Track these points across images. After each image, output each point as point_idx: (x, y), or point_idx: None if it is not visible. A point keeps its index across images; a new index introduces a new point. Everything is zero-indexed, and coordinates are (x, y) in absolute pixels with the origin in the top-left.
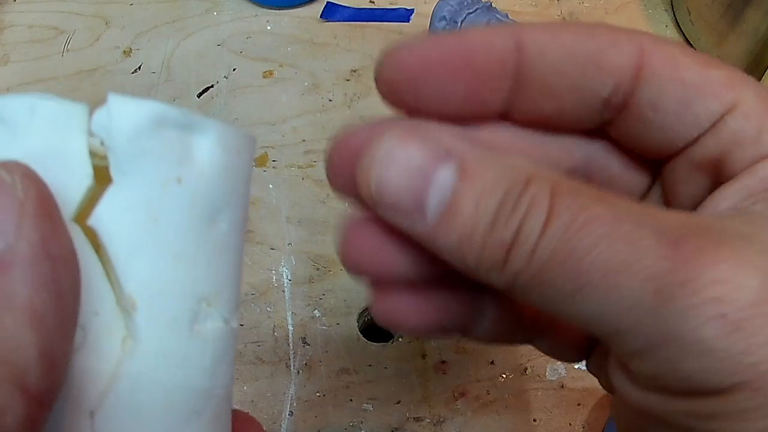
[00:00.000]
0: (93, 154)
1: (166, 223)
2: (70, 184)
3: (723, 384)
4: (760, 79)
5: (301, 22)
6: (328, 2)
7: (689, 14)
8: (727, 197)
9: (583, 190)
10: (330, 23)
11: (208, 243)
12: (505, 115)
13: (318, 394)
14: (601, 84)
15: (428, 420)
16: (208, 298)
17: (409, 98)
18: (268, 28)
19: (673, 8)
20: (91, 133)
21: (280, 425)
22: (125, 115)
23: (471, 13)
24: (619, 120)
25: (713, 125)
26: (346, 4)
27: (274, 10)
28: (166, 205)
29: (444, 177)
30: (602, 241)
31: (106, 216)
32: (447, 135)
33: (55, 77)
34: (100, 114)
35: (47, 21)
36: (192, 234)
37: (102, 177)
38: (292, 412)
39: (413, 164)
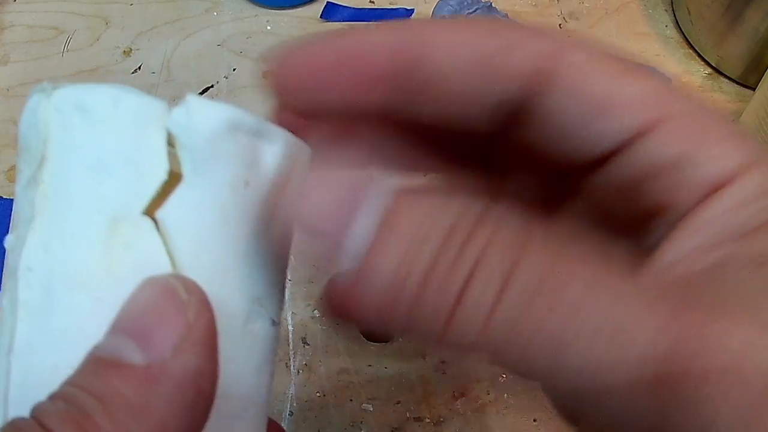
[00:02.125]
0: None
1: (231, 223)
2: (145, 177)
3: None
4: (759, 79)
5: (301, 22)
6: (328, 2)
7: (689, 14)
8: (677, 252)
9: (551, 244)
10: (330, 23)
11: (265, 245)
12: (403, 117)
13: (318, 394)
14: (500, 88)
15: (428, 420)
16: (260, 299)
17: (301, 102)
18: (268, 28)
19: (673, 8)
20: (167, 130)
21: (280, 425)
22: (204, 117)
23: (471, 12)
24: (522, 127)
25: (626, 146)
26: (346, 5)
27: (274, 11)
28: (233, 206)
29: (364, 218)
30: (586, 304)
31: (175, 211)
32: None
33: (55, 77)
34: (178, 113)
35: (47, 21)
36: (253, 235)
37: (172, 173)
38: (292, 412)
39: (333, 196)
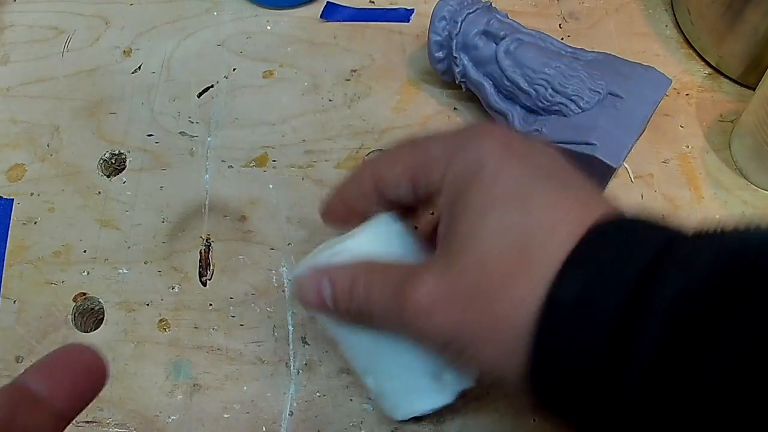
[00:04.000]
0: None
1: None
2: None
3: (440, 344)
4: (759, 79)
5: (301, 22)
6: (328, 2)
7: (689, 14)
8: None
9: (372, 273)
10: (330, 23)
11: None
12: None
13: (318, 394)
14: (421, 192)
15: (428, 420)
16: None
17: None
18: (268, 28)
19: (673, 8)
20: None
21: (280, 425)
22: None
23: (471, 13)
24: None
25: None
26: (346, 4)
27: (274, 10)
28: None
29: (324, 286)
30: (375, 294)
31: None
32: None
33: (55, 77)
34: None
35: (47, 21)
36: None
37: None
38: (292, 412)
39: (313, 283)
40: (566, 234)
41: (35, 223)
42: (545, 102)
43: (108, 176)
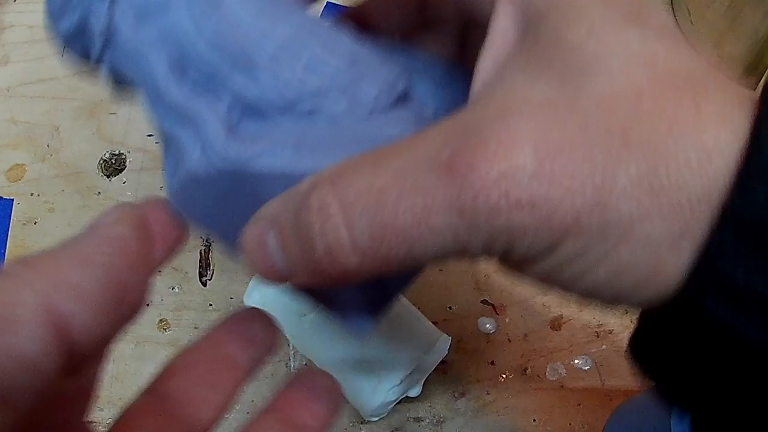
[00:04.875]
0: None
1: None
2: None
3: (543, 249)
4: (759, 79)
5: None
6: (328, 2)
7: (689, 14)
8: (483, 73)
9: (357, 172)
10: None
11: None
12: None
13: None
14: None
15: (428, 420)
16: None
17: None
18: None
19: (673, 8)
20: None
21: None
22: None
23: None
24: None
25: None
26: (346, 5)
27: None
28: None
29: (270, 240)
30: (400, 203)
31: None
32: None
33: (55, 77)
34: None
35: None
36: None
37: None
38: None
39: (255, 240)
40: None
41: (35, 223)
42: (290, 89)
43: (108, 176)
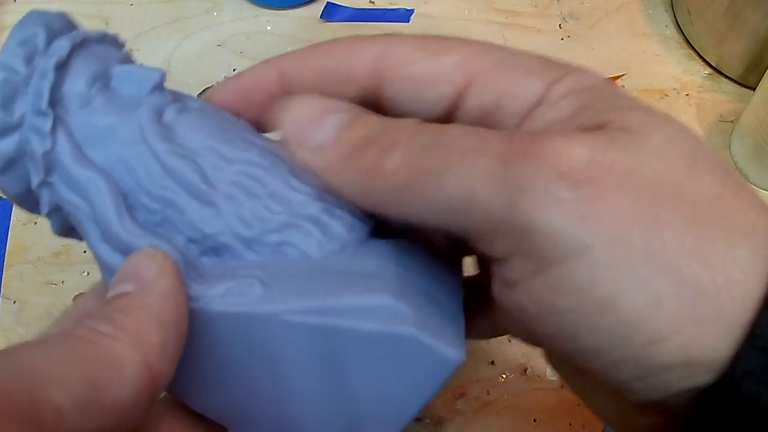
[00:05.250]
0: None
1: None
2: None
3: (572, 241)
4: (759, 79)
5: (301, 22)
6: (328, 2)
7: (689, 14)
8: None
9: (436, 124)
10: (330, 23)
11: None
12: None
13: None
14: (346, 89)
15: (428, 420)
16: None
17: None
18: (268, 28)
19: (673, 8)
20: None
21: None
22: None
23: (79, 45)
24: (382, 110)
25: (457, 105)
26: (346, 5)
27: (274, 11)
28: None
29: (338, 117)
30: (460, 136)
31: None
32: (342, 102)
33: None
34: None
35: None
36: None
37: None
38: None
39: (316, 106)
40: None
41: (35, 223)
42: (256, 220)
43: None
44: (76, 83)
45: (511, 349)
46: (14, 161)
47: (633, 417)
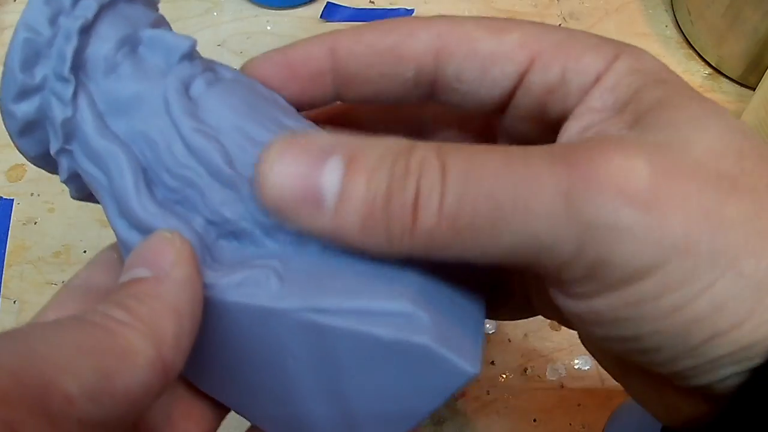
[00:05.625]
0: None
1: None
2: None
3: (645, 264)
4: (759, 79)
5: (301, 22)
6: (328, 2)
7: (689, 14)
8: (570, 135)
9: (464, 146)
10: (330, 23)
11: None
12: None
13: None
14: (403, 69)
15: (428, 420)
16: None
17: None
18: (268, 28)
19: (673, 8)
20: None
21: None
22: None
23: (107, 4)
24: (436, 92)
25: (519, 83)
26: (346, 5)
27: (274, 11)
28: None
29: (331, 170)
30: (502, 174)
31: None
32: (325, 136)
33: None
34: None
35: None
36: None
37: None
38: None
39: (297, 171)
40: None
41: (35, 223)
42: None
43: None
44: (102, 47)
45: (511, 349)
46: (34, 124)
47: (675, 400)
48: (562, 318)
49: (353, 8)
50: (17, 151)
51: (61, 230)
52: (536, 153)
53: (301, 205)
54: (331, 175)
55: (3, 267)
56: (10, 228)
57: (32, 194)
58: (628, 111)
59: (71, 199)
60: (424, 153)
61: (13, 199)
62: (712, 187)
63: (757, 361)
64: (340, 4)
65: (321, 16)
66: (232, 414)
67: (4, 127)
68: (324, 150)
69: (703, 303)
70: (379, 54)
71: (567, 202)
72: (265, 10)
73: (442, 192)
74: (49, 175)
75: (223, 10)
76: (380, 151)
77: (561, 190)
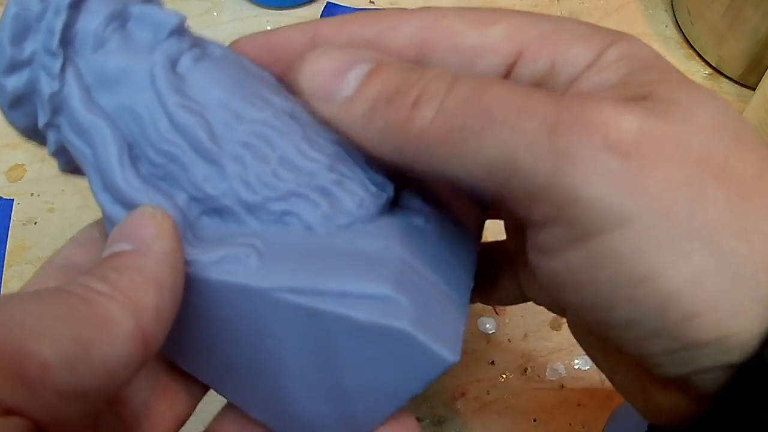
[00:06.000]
0: None
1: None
2: None
3: (615, 212)
4: (759, 79)
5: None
6: (328, 2)
7: (689, 14)
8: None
9: (478, 76)
10: None
11: None
12: None
13: None
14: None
15: (428, 420)
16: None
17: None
18: (268, 28)
19: (673, 8)
20: None
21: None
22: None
23: None
24: None
25: (507, 76)
26: (346, 5)
27: (274, 10)
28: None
29: (357, 71)
30: (502, 94)
31: None
32: (364, 50)
33: None
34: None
35: None
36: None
37: None
38: None
39: (331, 65)
40: None
41: (35, 223)
42: (262, 185)
43: None
44: (92, 22)
45: (511, 349)
46: (23, 98)
47: (655, 394)
48: (550, 302)
49: (353, 8)
50: (17, 150)
51: (61, 230)
52: (538, 91)
53: (322, 91)
54: (355, 73)
55: (3, 267)
56: (10, 228)
57: (32, 194)
58: (621, 89)
59: (70, 197)
60: (441, 70)
61: (13, 199)
62: (700, 163)
63: (735, 355)
64: (341, 4)
65: (321, 16)
66: (204, 403)
67: (4, 127)
68: (358, 55)
69: (678, 276)
70: (360, 45)
71: (550, 131)
72: (265, 10)
73: (444, 96)
74: (49, 175)
75: (223, 10)
76: (403, 65)
77: (548, 120)
